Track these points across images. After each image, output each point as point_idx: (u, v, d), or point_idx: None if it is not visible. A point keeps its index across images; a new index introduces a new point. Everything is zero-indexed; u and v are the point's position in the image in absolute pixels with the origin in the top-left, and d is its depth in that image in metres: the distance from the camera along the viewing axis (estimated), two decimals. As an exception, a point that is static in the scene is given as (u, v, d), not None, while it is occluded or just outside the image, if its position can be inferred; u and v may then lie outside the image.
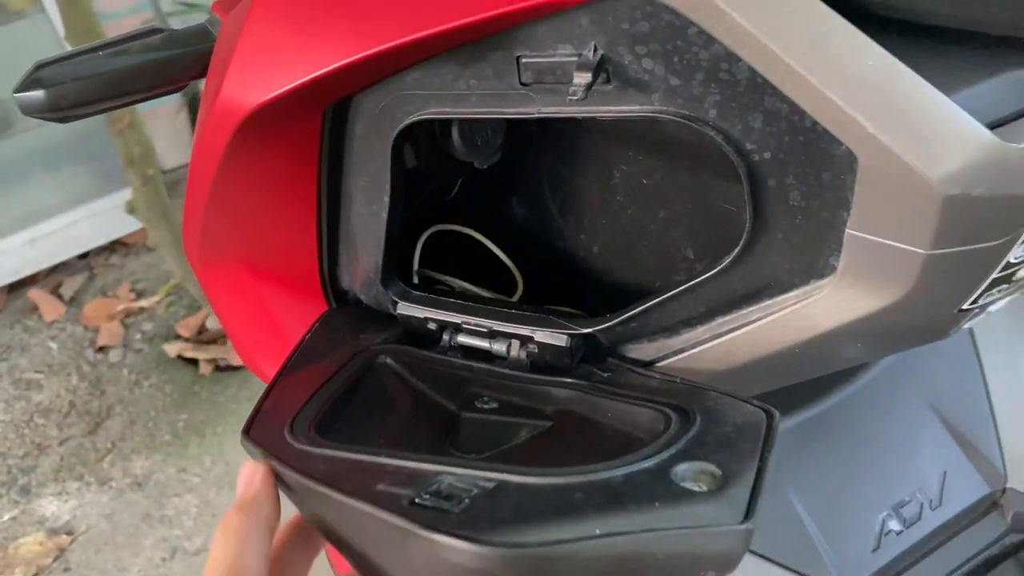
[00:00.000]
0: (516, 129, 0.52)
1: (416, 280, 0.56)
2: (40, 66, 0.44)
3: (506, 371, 0.46)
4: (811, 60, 0.30)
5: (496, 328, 0.47)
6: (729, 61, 0.32)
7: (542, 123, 0.53)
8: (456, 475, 0.33)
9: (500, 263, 0.57)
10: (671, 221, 0.47)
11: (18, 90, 0.44)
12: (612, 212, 0.50)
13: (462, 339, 0.48)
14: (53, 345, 2.03)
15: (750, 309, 0.41)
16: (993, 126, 0.31)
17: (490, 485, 0.33)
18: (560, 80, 0.36)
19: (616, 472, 0.33)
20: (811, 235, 0.37)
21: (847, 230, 0.35)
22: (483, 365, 0.47)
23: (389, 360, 0.48)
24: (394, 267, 0.49)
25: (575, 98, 0.34)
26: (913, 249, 0.33)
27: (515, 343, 0.47)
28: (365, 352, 0.47)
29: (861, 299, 0.37)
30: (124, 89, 0.45)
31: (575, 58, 0.35)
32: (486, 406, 0.45)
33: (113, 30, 1.99)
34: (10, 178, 2.22)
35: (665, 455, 0.35)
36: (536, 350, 0.46)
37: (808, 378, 0.48)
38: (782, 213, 0.37)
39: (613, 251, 0.52)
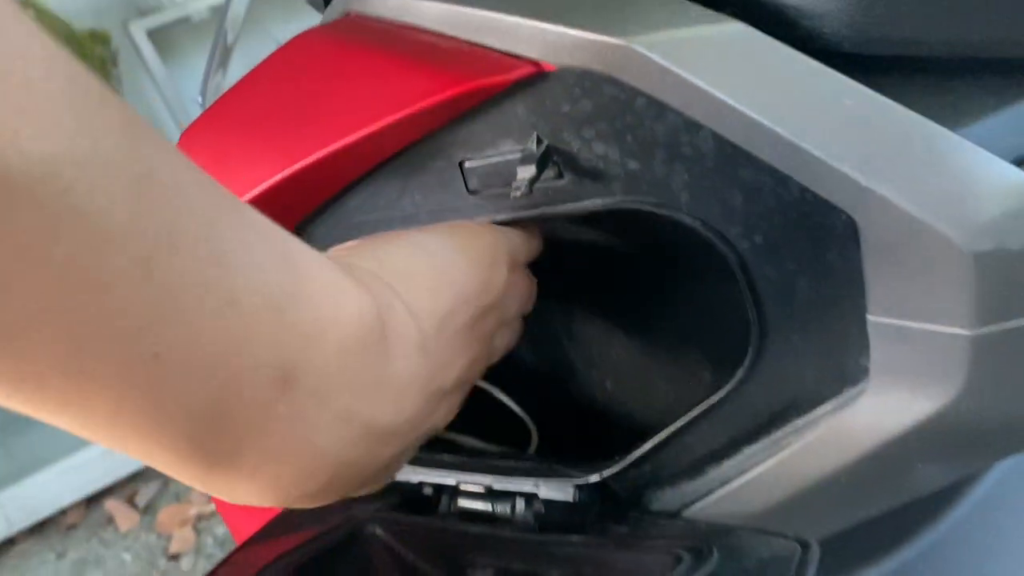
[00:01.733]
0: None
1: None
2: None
3: (507, 534, 0.39)
4: (777, 109, 0.25)
5: (496, 486, 0.41)
6: (689, 131, 0.28)
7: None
8: None
9: (512, 411, 0.51)
10: (681, 338, 0.41)
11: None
12: (618, 338, 0.45)
13: (462, 503, 0.42)
14: (127, 556, 2.01)
15: (779, 433, 0.34)
16: (1018, 163, 0.25)
17: None
18: (509, 181, 0.31)
19: None
20: (830, 331, 0.30)
21: (868, 318, 0.29)
22: (483, 528, 0.40)
23: (378, 530, 0.42)
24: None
25: (519, 194, 0.29)
26: (954, 331, 0.27)
27: (519, 502, 0.41)
28: (351, 522, 0.42)
29: (906, 404, 0.30)
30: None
31: (519, 154, 0.30)
32: (480, 574, 0.38)
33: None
34: (87, 390, 2.27)
35: None
36: (542, 508, 0.40)
37: (876, 513, 0.40)
38: (791, 308, 0.31)
39: (627, 384, 0.46)
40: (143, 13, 1.84)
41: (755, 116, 0.25)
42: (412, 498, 0.44)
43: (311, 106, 0.32)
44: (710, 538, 0.33)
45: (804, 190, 0.27)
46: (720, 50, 0.25)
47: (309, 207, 0.35)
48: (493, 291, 0.33)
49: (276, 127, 0.32)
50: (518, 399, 0.51)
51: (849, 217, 0.26)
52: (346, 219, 0.36)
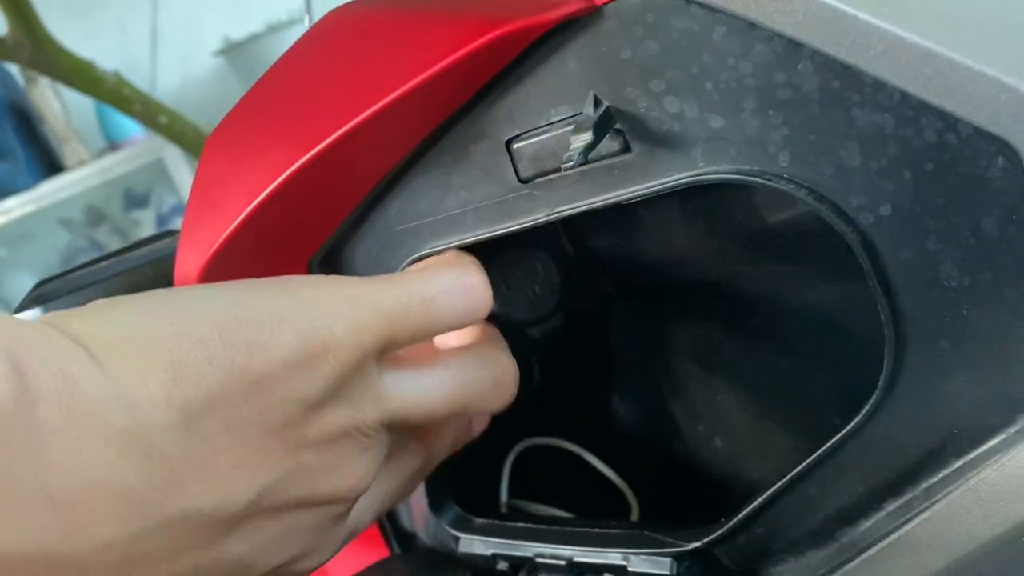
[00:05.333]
0: (587, 302, 0.42)
1: (505, 512, 0.44)
2: (40, 283, 0.40)
3: None
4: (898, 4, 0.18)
5: (577, 559, 0.34)
6: (784, 64, 0.21)
7: (618, 287, 0.42)
8: None
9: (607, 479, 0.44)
10: (799, 373, 0.34)
11: (18, 310, 0.39)
12: (724, 383, 0.37)
13: None
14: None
15: (933, 480, 0.26)
16: None
17: None
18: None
19: None
20: (994, 333, 0.23)
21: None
22: None
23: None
24: (445, 484, 0.38)
25: (571, 166, 0.23)
26: None
27: None
28: None
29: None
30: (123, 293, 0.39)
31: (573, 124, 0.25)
32: None
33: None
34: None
35: None
36: None
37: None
38: (937, 303, 0.23)
39: (739, 439, 0.38)
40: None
41: (870, 19, 0.19)
42: (485, 573, 0.38)
43: (324, 89, 0.27)
44: None
45: (947, 132, 0.20)
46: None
47: (338, 214, 0.30)
48: (324, 376, 0.24)
49: (288, 118, 0.28)
50: (614, 464, 0.44)
51: (1011, 156, 0.19)
52: (386, 231, 0.31)
